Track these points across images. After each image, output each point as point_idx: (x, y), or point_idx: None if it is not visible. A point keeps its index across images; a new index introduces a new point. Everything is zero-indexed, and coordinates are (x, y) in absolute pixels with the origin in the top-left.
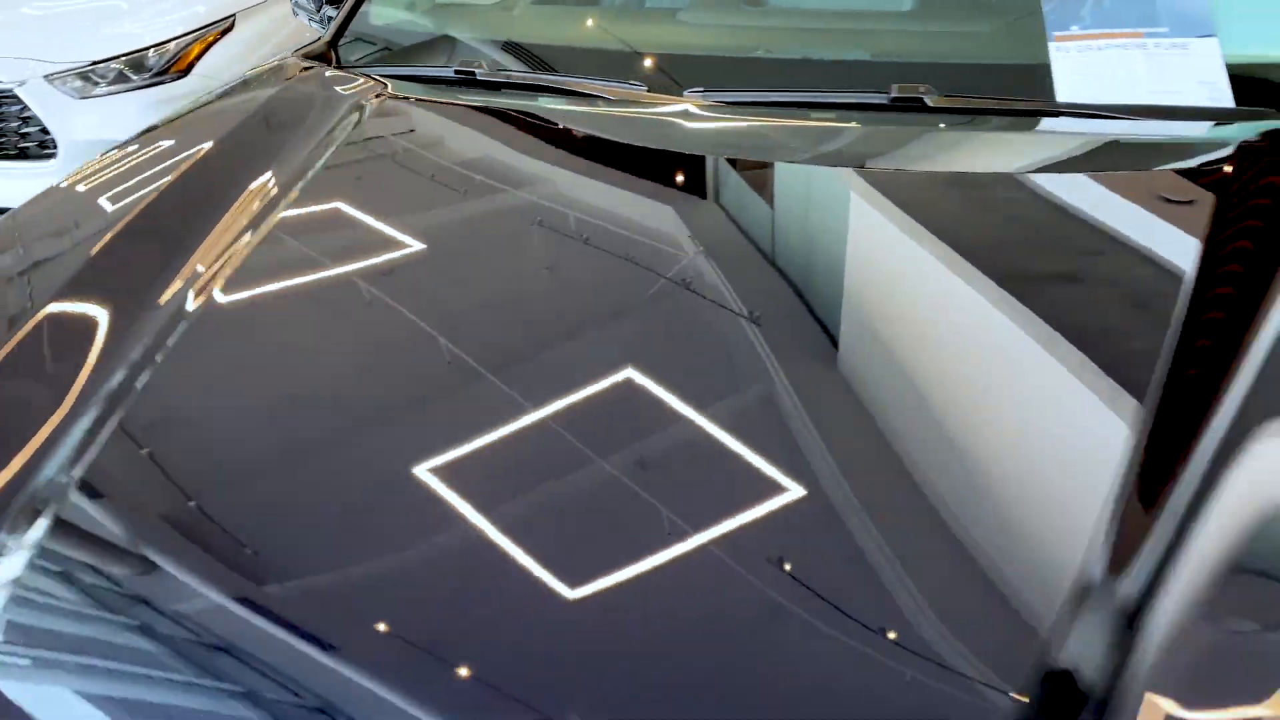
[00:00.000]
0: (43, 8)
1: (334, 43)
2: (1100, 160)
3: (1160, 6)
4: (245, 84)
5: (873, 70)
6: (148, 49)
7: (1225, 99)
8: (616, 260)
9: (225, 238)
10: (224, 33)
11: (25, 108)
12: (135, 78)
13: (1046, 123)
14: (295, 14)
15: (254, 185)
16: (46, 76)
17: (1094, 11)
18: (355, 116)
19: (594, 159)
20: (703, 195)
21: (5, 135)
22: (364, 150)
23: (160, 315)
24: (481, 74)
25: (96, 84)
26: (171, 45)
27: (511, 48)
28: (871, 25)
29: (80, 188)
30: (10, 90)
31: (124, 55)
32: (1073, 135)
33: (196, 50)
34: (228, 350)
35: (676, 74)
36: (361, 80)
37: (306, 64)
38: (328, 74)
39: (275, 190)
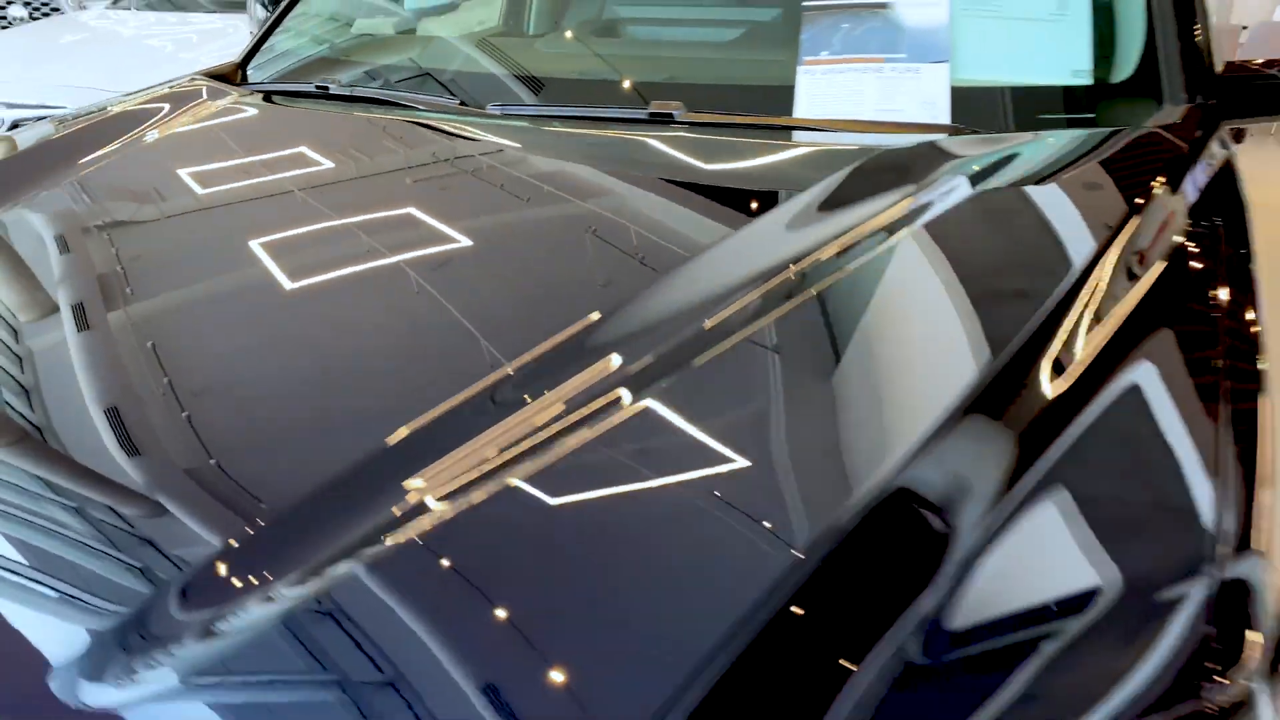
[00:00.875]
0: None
1: (243, 64)
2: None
3: (904, 36)
4: (147, 96)
5: (664, 90)
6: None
7: (943, 117)
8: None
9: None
10: None
11: None
12: None
13: (798, 135)
14: None
15: (84, 158)
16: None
17: (844, 39)
18: (189, 114)
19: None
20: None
21: None
22: (175, 140)
23: None
24: (334, 89)
25: None
26: None
27: (388, 69)
28: (684, 54)
29: None
30: None
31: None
32: (803, 147)
33: None
34: None
35: (496, 93)
36: (235, 93)
37: (202, 80)
38: (202, 84)
39: (94, 163)
